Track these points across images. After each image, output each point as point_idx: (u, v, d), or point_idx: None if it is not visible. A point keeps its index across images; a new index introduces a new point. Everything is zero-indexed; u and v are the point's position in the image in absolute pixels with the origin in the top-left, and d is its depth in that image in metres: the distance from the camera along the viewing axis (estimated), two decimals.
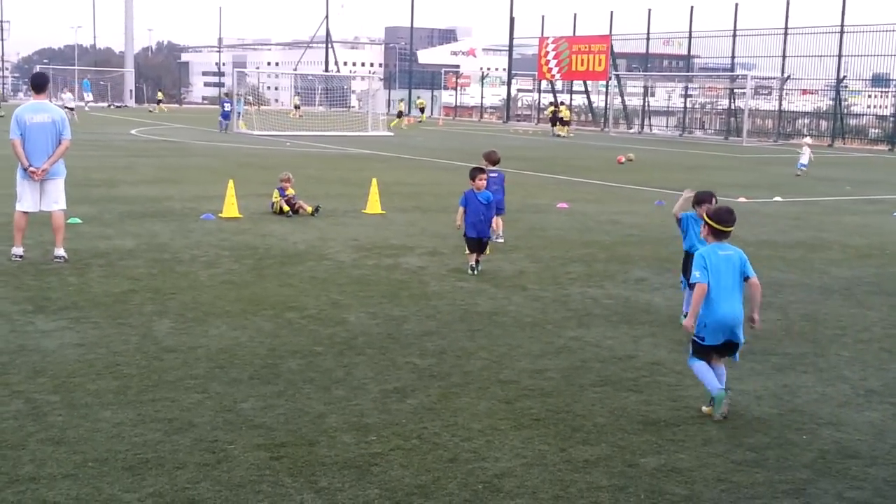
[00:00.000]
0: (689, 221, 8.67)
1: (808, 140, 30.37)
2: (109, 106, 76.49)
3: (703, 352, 6.53)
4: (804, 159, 27.84)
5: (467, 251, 11.25)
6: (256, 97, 63.60)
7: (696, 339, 6.52)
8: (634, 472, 5.38)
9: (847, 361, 7.84)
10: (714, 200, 8.32)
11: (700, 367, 6.51)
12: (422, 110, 66.50)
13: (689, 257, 8.42)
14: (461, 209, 11.08)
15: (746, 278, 6.53)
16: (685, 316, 7.73)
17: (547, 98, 67.20)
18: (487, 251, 11.30)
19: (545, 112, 64.53)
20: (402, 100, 69.05)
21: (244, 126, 45.44)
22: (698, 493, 5.13)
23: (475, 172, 11.26)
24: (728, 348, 6.55)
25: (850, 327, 9.05)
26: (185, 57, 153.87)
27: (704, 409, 6.46)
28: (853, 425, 6.27)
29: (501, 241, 13.14)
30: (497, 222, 12.69)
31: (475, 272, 11.00)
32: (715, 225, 6.60)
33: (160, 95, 77.31)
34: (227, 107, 45.51)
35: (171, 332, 8.09)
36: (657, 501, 5.00)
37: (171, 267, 11.00)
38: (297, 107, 66.13)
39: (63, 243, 11.16)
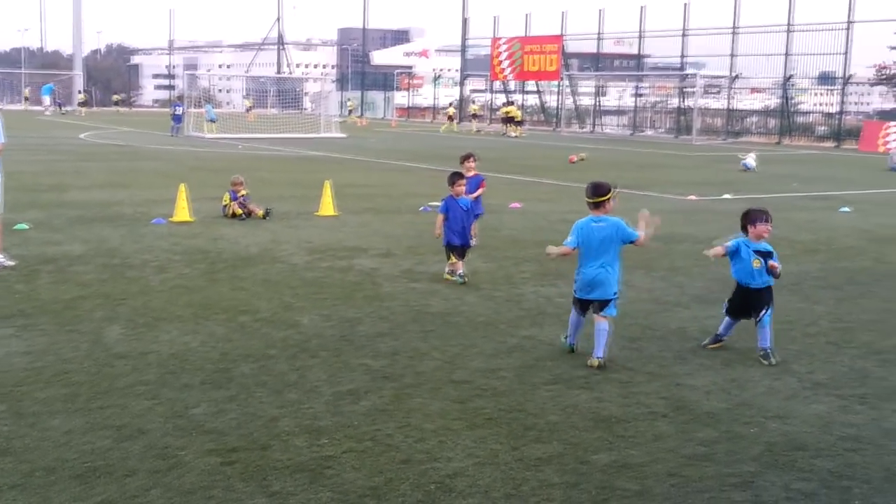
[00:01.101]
0: (740, 246, 7.92)
1: (752, 155, 30.68)
2: (59, 106, 74.70)
3: (578, 304, 7.74)
4: (750, 162, 28.96)
5: (451, 259, 10.77)
6: (209, 100, 62.83)
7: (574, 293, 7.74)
8: (586, 468, 5.43)
9: (794, 355, 7.97)
10: (766, 219, 7.85)
11: (571, 317, 7.81)
12: (351, 112, 64.74)
13: (738, 288, 8.01)
14: (441, 216, 10.65)
15: (632, 242, 7.57)
16: (716, 334, 8.17)
17: (500, 98, 67.33)
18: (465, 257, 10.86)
19: (469, 109, 64.67)
20: (451, 104, 67.33)
21: (215, 130, 45.01)
22: (649, 487, 5.19)
23: (454, 178, 10.80)
24: (601, 304, 7.58)
25: (797, 321, 9.20)
26: (135, 59, 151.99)
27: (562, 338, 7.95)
28: (800, 418, 6.38)
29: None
30: (475, 227, 12.63)
31: (463, 279, 10.63)
32: (586, 198, 7.66)
33: (81, 97, 73.36)
34: (179, 110, 45.02)
35: (122, 338, 8.01)
36: (609, 497, 5.05)
37: (121, 272, 10.89)
38: (249, 109, 65.51)
39: (1, 249, 10.98)
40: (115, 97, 69.23)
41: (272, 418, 6.11)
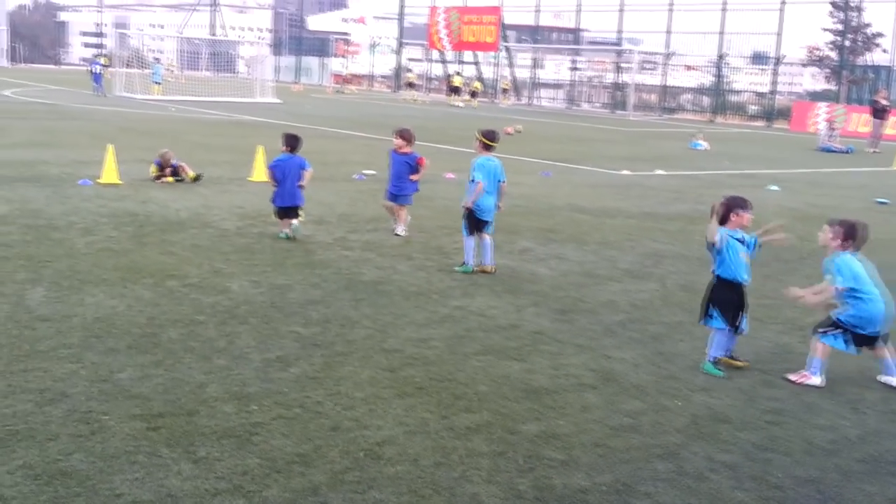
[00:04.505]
0: (728, 241, 7.07)
1: (704, 141, 30.24)
2: None
3: (472, 225, 9.68)
4: (701, 143, 29.07)
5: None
6: (139, 60, 60.95)
7: (466, 219, 9.72)
8: (514, 438, 5.46)
9: None
10: (750, 206, 7.13)
11: (468, 242, 9.78)
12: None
13: (723, 285, 7.05)
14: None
15: (500, 182, 9.73)
16: (712, 359, 6.92)
17: (437, 68, 66.99)
18: (301, 216, 11.49)
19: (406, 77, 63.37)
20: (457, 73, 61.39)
21: (159, 92, 43.86)
22: (576, 457, 5.23)
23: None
24: (485, 224, 9.71)
25: None
26: (63, 16, 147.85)
27: (456, 268, 9.76)
28: (725, 391, 6.49)
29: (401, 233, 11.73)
30: (402, 213, 11.72)
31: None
32: (488, 142, 9.71)
33: None
34: (98, 69, 43.88)
35: (45, 300, 7.82)
36: (535, 466, 5.09)
37: (46, 234, 10.63)
38: (170, 69, 64.01)
39: None
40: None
41: (199, 384, 6.03)
